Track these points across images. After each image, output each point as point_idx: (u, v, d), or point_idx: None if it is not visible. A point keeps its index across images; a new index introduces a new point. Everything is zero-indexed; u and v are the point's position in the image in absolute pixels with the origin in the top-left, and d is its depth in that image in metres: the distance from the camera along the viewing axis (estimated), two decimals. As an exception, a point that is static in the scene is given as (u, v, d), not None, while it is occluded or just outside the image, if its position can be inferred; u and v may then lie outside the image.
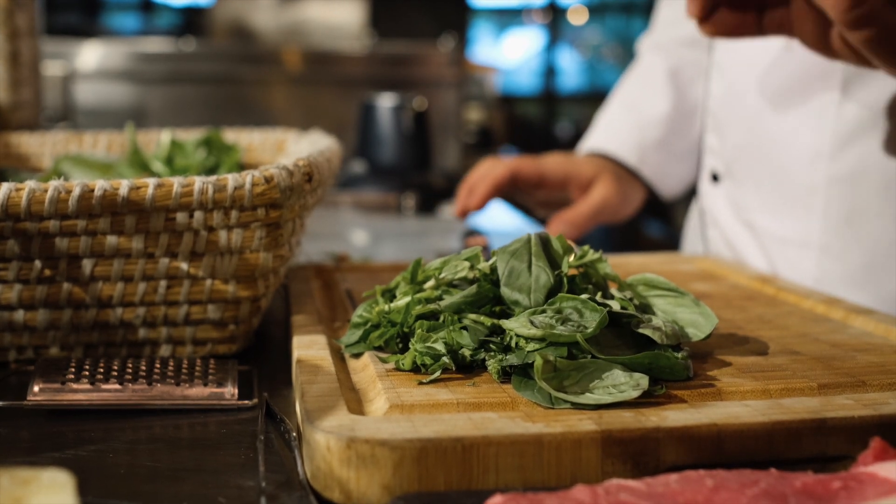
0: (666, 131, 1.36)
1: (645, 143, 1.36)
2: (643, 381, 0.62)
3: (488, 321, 0.70)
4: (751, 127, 1.14)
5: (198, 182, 0.74)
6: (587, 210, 1.28)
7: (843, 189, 1.05)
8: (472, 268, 0.75)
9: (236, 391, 0.73)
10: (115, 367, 0.74)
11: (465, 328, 0.69)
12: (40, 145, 1.25)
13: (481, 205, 1.29)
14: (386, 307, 0.74)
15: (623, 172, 1.35)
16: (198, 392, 0.72)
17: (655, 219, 5.50)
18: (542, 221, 1.36)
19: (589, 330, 0.65)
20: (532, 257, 0.73)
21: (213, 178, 0.75)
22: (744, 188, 1.17)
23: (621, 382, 0.62)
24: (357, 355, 0.73)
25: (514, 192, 1.33)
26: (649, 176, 1.36)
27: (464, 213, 1.31)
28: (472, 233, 1.54)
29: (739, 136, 1.17)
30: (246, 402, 0.72)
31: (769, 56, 1.11)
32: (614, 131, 1.39)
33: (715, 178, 1.24)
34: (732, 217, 1.20)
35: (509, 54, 8.62)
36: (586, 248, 0.77)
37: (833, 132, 1.04)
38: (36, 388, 0.71)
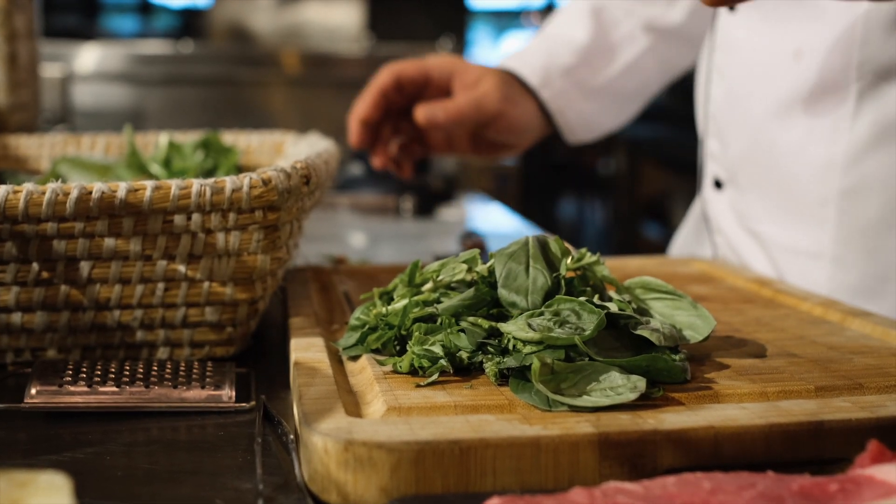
0: (577, 61, 1.29)
1: (550, 66, 1.27)
2: (640, 383, 0.62)
3: (486, 324, 0.70)
4: (756, 136, 1.13)
5: (196, 184, 0.74)
6: (464, 101, 1.19)
7: (856, 201, 1.03)
8: (469, 270, 0.75)
9: (234, 393, 0.73)
10: (113, 370, 0.74)
11: (462, 331, 0.69)
12: (38, 147, 1.25)
13: (368, 113, 1.22)
14: (383, 310, 0.74)
15: (519, 87, 1.26)
16: (195, 394, 0.72)
17: (653, 221, 5.50)
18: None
19: (587, 332, 0.65)
20: (530, 259, 0.73)
21: (210, 180, 0.75)
22: (749, 196, 1.16)
23: (619, 385, 0.62)
24: (354, 358, 0.73)
25: (401, 101, 1.25)
26: (548, 100, 1.27)
27: (357, 138, 1.24)
28: (470, 235, 1.54)
29: (743, 143, 1.16)
30: (243, 404, 0.72)
31: (776, 63, 1.09)
32: (523, 53, 1.31)
33: (718, 184, 1.22)
34: (736, 224, 1.19)
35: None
36: (584, 250, 0.77)
37: (847, 144, 1.02)
38: (33, 391, 0.70)
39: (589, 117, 1.32)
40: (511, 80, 1.25)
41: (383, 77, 1.23)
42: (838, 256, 1.05)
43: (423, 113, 1.19)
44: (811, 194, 1.07)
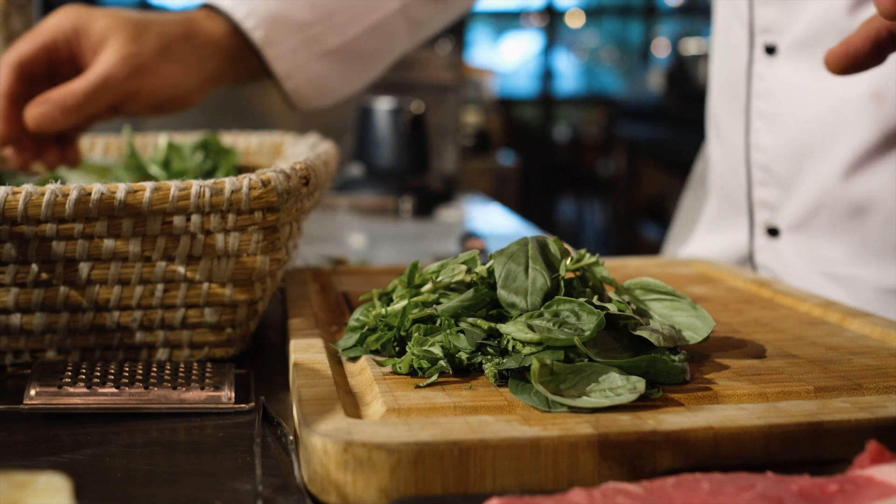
0: (315, 16, 1.10)
1: (281, 18, 1.07)
2: (640, 384, 0.62)
3: (485, 325, 0.70)
4: (833, 184, 1.06)
5: (195, 185, 0.74)
6: (83, 86, 0.95)
7: None
8: (469, 271, 0.75)
9: (233, 395, 0.73)
10: (112, 371, 0.74)
11: (462, 332, 0.70)
12: (37, 149, 1.25)
13: (4, 133, 0.99)
14: (383, 311, 0.74)
15: (200, 33, 1.04)
16: (195, 396, 0.72)
17: (652, 221, 5.51)
18: None
19: (586, 333, 0.65)
20: (529, 260, 0.73)
21: (210, 181, 0.75)
22: (825, 241, 1.09)
23: (618, 386, 0.62)
24: (354, 359, 0.73)
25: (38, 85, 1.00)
26: (273, 59, 1.07)
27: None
28: (469, 236, 1.54)
29: (817, 192, 1.09)
30: (243, 405, 0.72)
31: (851, 108, 1.03)
32: None
33: (772, 232, 1.15)
34: (808, 269, 1.12)
35: (507, 57, 8.63)
36: (583, 251, 0.77)
37: None
38: (32, 392, 0.70)
39: (323, 81, 1.14)
40: (181, 28, 1.02)
41: (5, 78, 0.98)
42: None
43: (32, 118, 0.95)
44: None
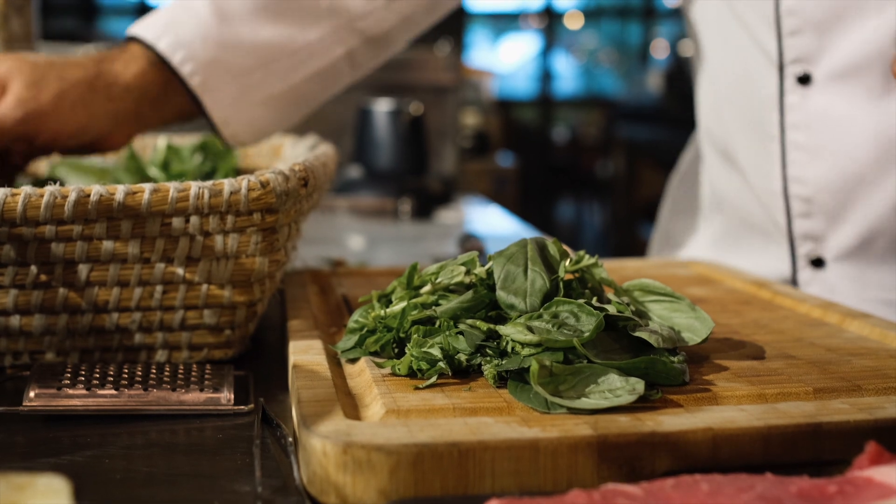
0: (256, 63, 1.05)
1: (220, 62, 1.03)
2: (639, 385, 0.62)
3: (484, 326, 0.70)
4: (884, 214, 1.05)
5: (194, 187, 0.74)
6: None
7: None
8: (468, 273, 0.75)
9: (232, 396, 0.73)
10: (111, 373, 0.74)
11: (461, 333, 0.70)
12: (36, 150, 1.25)
13: None
14: (382, 312, 0.74)
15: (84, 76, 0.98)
16: (194, 397, 0.72)
17: (651, 223, 5.51)
18: None
19: (585, 334, 0.65)
20: (528, 262, 0.73)
21: (209, 183, 0.75)
22: (876, 268, 1.08)
23: (617, 387, 0.62)
24: (353, 360, 0.73)
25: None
26: (211, 106, 1.04)
27: None
28: (468, 238, 1.54)
29: (872, 221, 1.07)
30: (242, 407, 0.72)
31: None
32: (176, 23, 1.02)
33: (817, 263, 1.13)
34: (857, 296, 1.10)
35: (506, 59, 8.64)
36: (582, 252, 0.77)
37: None
38: (32, 394, 0.70)
39: (260, 124, 1.10)
40: (84, 72, 0.98)
41: None
42: None
43: None
44: None
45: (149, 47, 1.01)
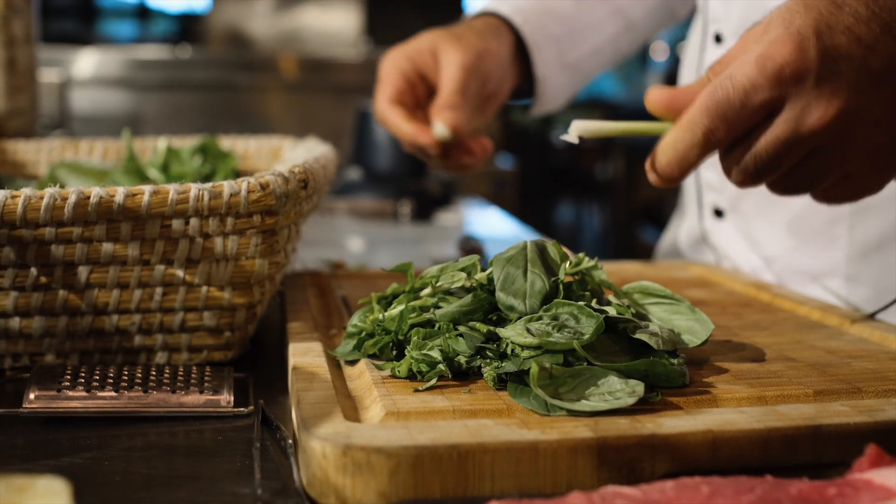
0: (562, 31, 1.24)
1: (544, 27, 1.22)
2: (639, 387, 0.62)
3: (484, 328, 0.70)
4: None
5: (193, 189, 0.74)
6: (451, 86, 1.11)
7: (868, 216, 1.02)
8: (468, 277, 0.75)
9: (232, 398, 0.73)
10: (111, 375, 0.74)
11: (460, 335, 0.69)
12: (36, 152, 1.25)
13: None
14: (380, 316, 0.74)
15: (498, 30, 1.18)
16: (193, 399, 0.72)
17: (651, 225, 5.51)
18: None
19: (585, 337, 0.65)
20: (528, 264, 0.73)
21: (208, 185, 0.75)
22: (755, 223, 1.14)
23: (617, 389, 0.62)
24: (353, 362, 0.73)
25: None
26: (538, 63, 1.21)
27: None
28: (468, 240, 1.54)
29: None
30: (242, 409, 0.72)
31: None
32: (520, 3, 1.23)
33: (718, 213, 1.20)
34: (746, 249, 1.17)
35: (505, 61, 8.62)
36: (581, 255, 0.77)
37: None
38: (31, 396, 0.70)
39: (559, 90, 1.27)
40: (489, 27, 1.18)
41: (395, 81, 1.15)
42: (852, 274, 1.05)
43: (441, 122, 1.09)
44: (822, 215, 1.05)
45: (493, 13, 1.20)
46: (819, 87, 0.68)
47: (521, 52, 1.21)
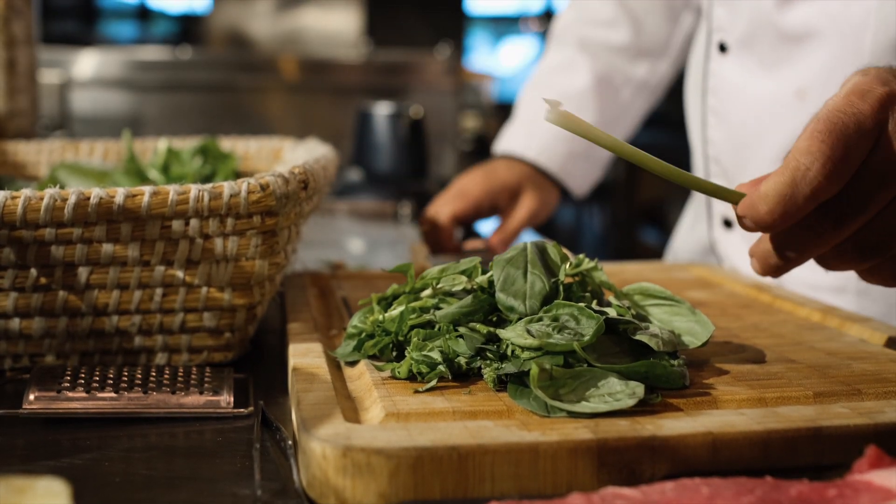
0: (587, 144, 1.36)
1: (572, 154, 1.41)
2: (639, 389, 0.62)
3: (484, 329, 0.69)
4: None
5: (194, 190, 0.74)
6: (516, 225, 1.38)
7: None
8: (469, 279, 0.75)
9: (232, 399, 0.73)
10: (111, 376, 0.74)
11: (461, 336, 0.69)
12: (37, 153, 1.25)
13: (450, 244, 1.36)
14: (380, 317, 0.74)
15: (542, 180, 1.41)
16: (193, 400, 0.72)
17: (651, 226, 5.50)
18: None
19: (586, 338, 0.65)
20: (528, 265, 0.73)
21: (208, 185, 0.75)
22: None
23: (617, 391, 0.62)
24: (353, 363, 0.73)
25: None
26: (570, 184, 1.43)
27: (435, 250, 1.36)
28: (470, 234, 1.54)
29: None
30: (242, 410, 0.72)
31: (780, 105, 1.08)
32: (539, 137, 1.42)
33: (728, 224, 1.21)
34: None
35: (506, 62, 8.63)
36: (581, 256, 0.77)
37: None
38: (31, 397, 0.70)
39: (596, 177, 1.49)
40: (542, 183, 1.41)
41: (447, 227, 1.36)
42: (863, 290, 1.05)
43: (498, 247, 1.34)
44: None
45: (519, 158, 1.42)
46: None
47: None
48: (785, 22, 1.07)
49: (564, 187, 1.44)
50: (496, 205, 1.39)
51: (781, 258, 0.72)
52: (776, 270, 0.74)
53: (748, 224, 0.70)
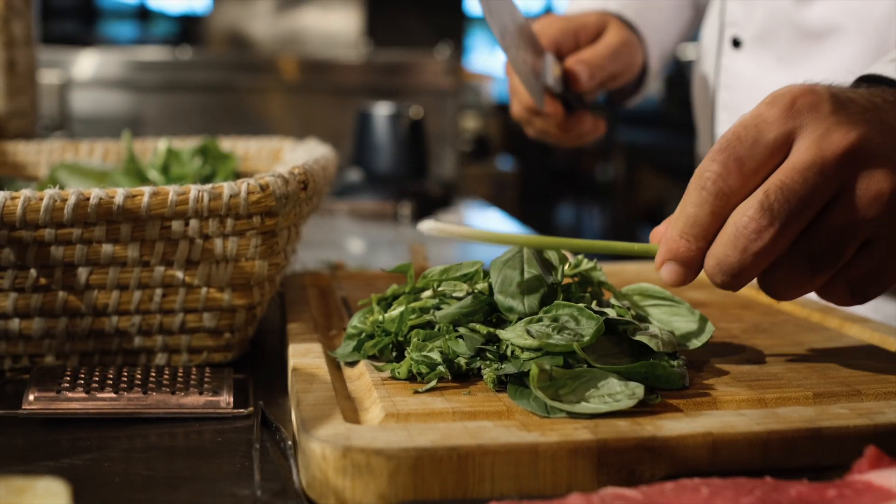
0: (662, 20, 1.28)
1: (649, 5, 1.27)
2: (639, 390, 0.62)
3: (484, 330, 0.69)
4: None
5: (193, 190, 0.74)
6: (604, 49, 1.16)
7: None
8: (470, 282, 0.75)
9: (232, 399, 0.73)
10: (111, 376, 0.74)
11: (460, 337, 0.69)
12: (36, 154, 1.25)
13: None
14: (380, 317, 0.74)
15: (627, 28, 1.24)
16: (193, 400, 0.72)
17: (651, 226, 5.51)
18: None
19: (585, 338, 0.65)
20: (524, 264, 0.73)
21: (208, 186, 0.75)
22: None
23: (617, 391, 0.62)
24: (352, 364, 0.73)
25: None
26: (646, 37, 1.26)
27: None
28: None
29: None
30: (241, 410, 0.72)
31: None
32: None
33: None
34: None
35: (506, 63, 8.62)
36: (581, 256, 0.77)
37: None
38: (31, 397, 0.70)
39: (666, 56, 1.34)
40: (624, 26, 1.24)
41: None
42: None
43: (575, 70, 1.14)
44: None
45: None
46: (835, 115, 0.64)
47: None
48: (804, 17, 1.07)
49: (644, 46, 1.26)
50: (578, 44, 1.18)
51: (726, 276, 0.69)
52: (729, 287, 0.70)
53: (677, 260, 0.69)
